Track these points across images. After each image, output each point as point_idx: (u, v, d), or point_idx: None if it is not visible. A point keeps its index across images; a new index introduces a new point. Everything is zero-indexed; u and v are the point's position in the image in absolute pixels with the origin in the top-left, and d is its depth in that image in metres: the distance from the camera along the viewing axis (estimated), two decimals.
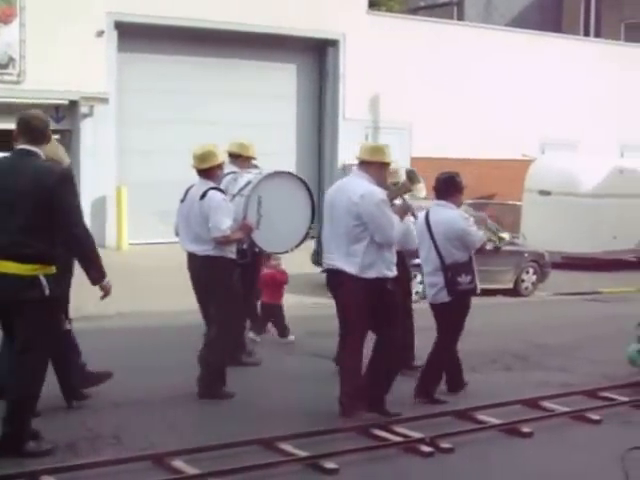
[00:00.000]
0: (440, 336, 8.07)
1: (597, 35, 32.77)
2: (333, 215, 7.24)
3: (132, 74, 20.09)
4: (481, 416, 7.44)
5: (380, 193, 7.14)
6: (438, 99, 23.34)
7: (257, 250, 8.73)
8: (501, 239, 8.73)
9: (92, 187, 18.61)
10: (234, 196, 8.18)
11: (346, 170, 7.87)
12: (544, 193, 19.29)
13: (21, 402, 6.02)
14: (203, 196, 7.67)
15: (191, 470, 5.84)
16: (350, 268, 7.07)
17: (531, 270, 15.98)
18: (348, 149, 21.67)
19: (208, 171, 7.82)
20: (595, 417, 7.67)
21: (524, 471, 6.44)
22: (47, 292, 5.88)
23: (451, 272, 7.87)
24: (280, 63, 22.22)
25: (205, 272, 7.72)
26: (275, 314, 10.49)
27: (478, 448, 6.80)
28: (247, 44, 21.29)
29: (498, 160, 22.82)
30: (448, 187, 8.03)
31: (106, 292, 6.28)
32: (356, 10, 22.76)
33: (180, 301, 12.75)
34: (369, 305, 7.11)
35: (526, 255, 15.38)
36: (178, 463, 5.97)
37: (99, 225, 18.00)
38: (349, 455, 6.36)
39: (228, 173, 8.68)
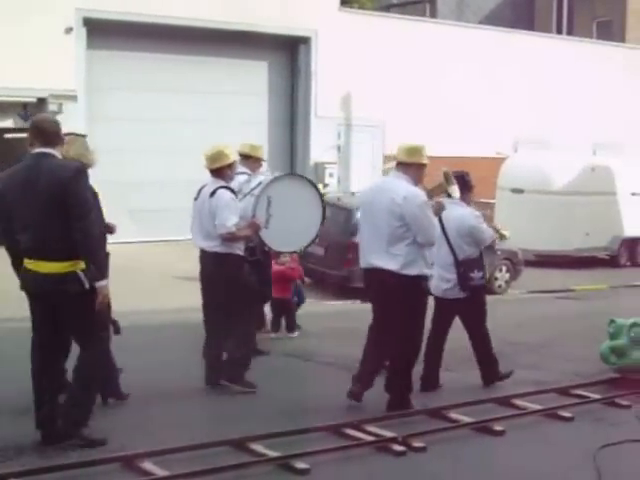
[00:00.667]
0: (469, 332, 8.56)
1: (569, 33, 32.97)
2: (373, 215, 7.45)
3: (101, 71, 19.91)
4: (454, 415, 7.44)
5: (422, 195, 7.39)
6: (411, 97, 23.35)
7: (267, 249, 8.93)
8: (502, 236, 8.95)
9: None
10: (245, 195, 8.50)
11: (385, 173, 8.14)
12: (517, 191, 19.36)
13: (81, 391, 6.32)
14: (212, 194, 7.95)
15: (161, 472, 5.80)
16: (391, 265, 7.28)
17: (504, 268, 16.00)
18: (320, 147, 21.70)
19: (219, 171, 8.08)
20: (567, 415, 7.71)
21: (496, 469, 6.45)
22: (87, 285, 6.11)
23: (463, 268, 8.19)
24: (252, 60, 22.14)
25: (214, 268, 7.99)
26: (285, 308, 10.69)
27: (450, 447, 6.79)
28: (218, 41, 21.20)
29: (471, 158, 22.81)
30: (460, 185, 8.23)
31: (102, 297, 6.20)
32: (328, 7, 22.72)
33: (149, 300, 12.75)
34: (406, 301, 7.32)
35: (499, 253, 15.37)
36: (148, 465, 5.92)
37: None
38: (321, 455, 6.33)
39: (239, 173, 8.97)
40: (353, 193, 15.97)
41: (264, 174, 9.21)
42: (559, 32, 33.18)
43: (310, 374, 8.57)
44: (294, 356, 9.41)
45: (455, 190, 8.10)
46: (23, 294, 6.40)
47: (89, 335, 6.31)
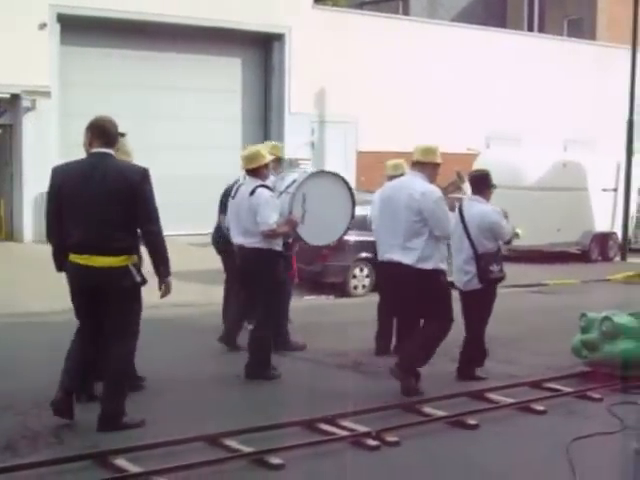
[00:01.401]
0: (471, 322, 8.78)
1: (541, 31, 33.17)
2: (392, 210, 7.90)
3: (75, 68, 19.84)
4: (427, 409, 7.47)
5: (437, 191, 7.85)
6: (384, 93, 23.41)
7: (302, 244, 9.26)
8: (516, 235, 9.19)
9: (34, 182, 18.29)
10: (281, 193, 8.69)
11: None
12: None
13: (118, 383, 6.62)
14: (252, 193, 8.27)
15: (134, 468, 5.77)
16: (407, 259, 7.71)
17: None
18: (294, 143, 21.68)
19: (256, 170, 8.43)
20: (540, 408, 7.76)
21: (470, 463, 6.46)
22: (138, 279, 6.47)
23: (484, 261, 8.55)
24: (225, 57, 22.12)
25: (253, 263, 8.33)
26: None
27: (424, 441, 6.82)
28: (192, 38, 21.17)
29: (443, 154, 22.85)
30: (480, 184, 8.83)
31: (166, 289, 6.64)
32: (302, 4, 22.75)
33: None
34: (422, 294, 7.71)
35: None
36: (121, 461, 5.89)
37: (41, 221, 17.70)
38: (295, 450, 6.32)
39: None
40: None
41: (297, 171, 9.52)
42: (530, 30, 33.38)
43: (284, 369, 8.55)
44: None
45: (467, 187, 8.75)
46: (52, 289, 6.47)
47: (127, 329, 6.63)
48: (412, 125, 23.36)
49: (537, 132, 25.41)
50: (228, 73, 22.19)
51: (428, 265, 7.73)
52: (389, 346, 9.62)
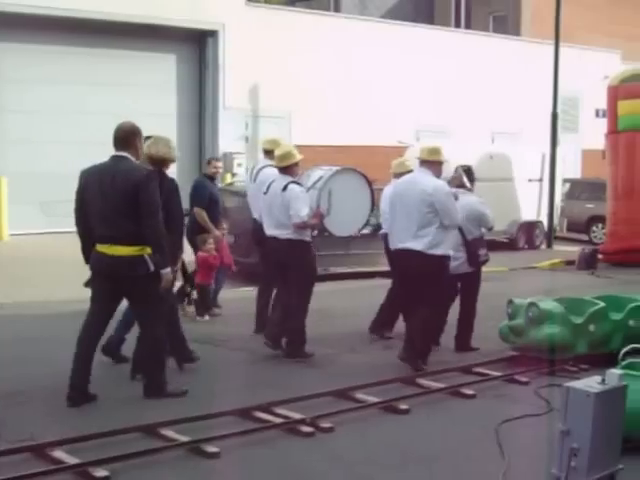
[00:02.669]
0: (463, 302, 9.83)
1: (467, 27, 33.62)
2: (405, 204, 8.70)
3: (11, 63, 19.69)
4: (360, 395, 7.60)
5: (447, 186, 8.83)
6: (316, 88, 23.55)
7: (327, 234, 10.01)
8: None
9: None
10: (308, 189, 9.38)
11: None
12: None
13: (151, 361, 7.40)
14: (284, 189, 8.95)
15: (72, 460, 5.80)
16: (419, 246, 8.51)
17: None
18: (228, 137, 21.73)
19: (287, 168, 9.11)
20: (469, 392, 7.94)
21: (402, 446, 6.59)
22: (152, 268, 7.09)
23: (473, 247, 9.53)
24: (160, 53, 22.07)
25: (286, 253, 9.01)
26: (202, 293, 11.10)
27: (357, 426, 6.94)
28: (127, 34, 21.07)
29: (375, 147, 23.18)
30: (466, 177, 9.93)
31: (165, 281, 7.23)
32: (235, 1, 22.75)
33: (61, 290, 12.62)
34: (429, 277, 8.53)
35: None
36: (59, 453, 5.93)
37: None
38: (230, 438, 6.41)
39: (264, 166, 10.08)
40: None
41: (323, 168, 10.08)
42: (457, 26, 33.81)
43: (219, 359, 8.63)
44: (203, 342, 9.46)
45: (468, 182, 10.20)
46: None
47: (149, 313, 7.33)
48: (344, 119, 23.58)
49: (465, 125, 25.78)
50: (163, 69, 22.12)
51: (438, 251, 8.55)
52: (383, 328, 10.17)
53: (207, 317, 11.07)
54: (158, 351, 7.46)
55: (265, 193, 9.29)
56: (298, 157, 9.18)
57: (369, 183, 10.06)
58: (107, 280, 7.25)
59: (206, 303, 11.16)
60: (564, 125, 26.82)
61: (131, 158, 7.23)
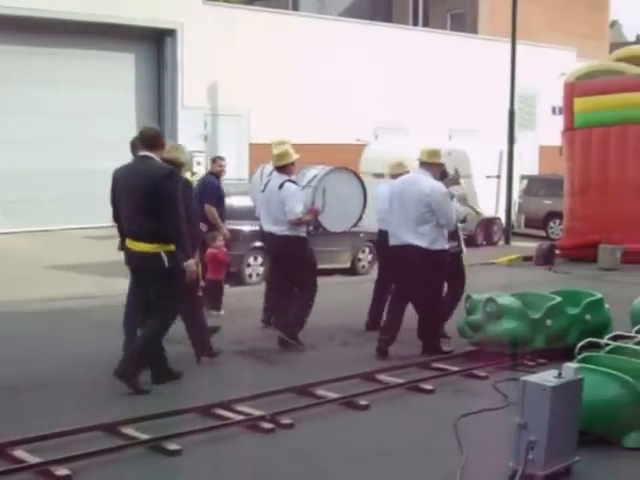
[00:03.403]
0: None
1: (425, 25, 33.80)
2: (403, 202, 9.15)
3: None
4: (320, 391, 7.65)
5: (443, 187, 9.24)
6: (275, 87, 23.57)
7: (321, 230, 10.47)
8: (478, 213, 11.93)
9: None
10: (303, 187, 9.81)
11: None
12: (378, 175, 19.74)
13: (139, 351, 7.65)
14: (281, 186, 9.43)
15: (33, 459, 5.79)
16: (421, 243, 9.01)
17: (367, 249, 16.37)
18: (188, 136, 21.68)
19: (284, 167, 9.60)
20: (428, 387, 8.02)
21: (361, 441, 6.65)
22: (167, 265, 7.41)
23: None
24: (118, 52, 21.94)
25: (283, 248, 9.56)
26: (216, 289, 11.25)
27: (317, 422, 7.00)
28: (84, 34, 20.94)
29: (334, 145, 23.25)
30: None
31: (188, 273, 7.61)
32: (193, 0, 22.70)
33: (22, 290, 12.56)
34: (431, 269, 9.03)
35: (362, 235, 15.63)
36: (20, 453, 5.91)
37: None
38: (191, 436, 6.43)
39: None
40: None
41: (317, 167, 10.48)
42: (415, 25, 33.98)
43: (179, 357, 8.60)
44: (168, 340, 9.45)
45: (462, 182, 10.76)
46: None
47: (162, 307, 7.61)
48: (303, 117, 23.62)
49: (423, 122, 25.92)
50: (121, 68, 21.99)
51: (436, 246, 9.06)
52: (379, 322, 10.26)
53: (222, 312, 11.21)
54: (152, 345, 7.74)
55: (263, 191, 9.77)
56: (295, 157, 9.63)
57: (361, 181, 10.54)
58: (133, 273, 7.94)
59: (219, 298, 11.36)
60: (521, 122, 27.13)
61: (155, 158, 7.62)
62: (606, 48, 36.52)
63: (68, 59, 20.88)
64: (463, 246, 10.33)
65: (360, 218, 10.66)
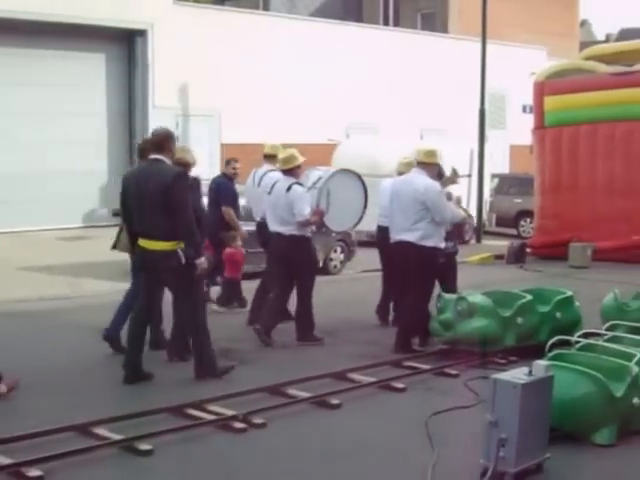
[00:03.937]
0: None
1: (396, 24, 33.90)
2: (401, 201, 9.48)
3: None
4: (292, 391, 7.66)
5: (438, 186, 9.49)
6: (246, 86, 23.55)
7: (324, 230, 10.86)
8: (470, 216, 12.09)
9: None
10: (309, 189, 10.08)
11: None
12: None
13: (197, 342, 8.13)
14: (288, 189, 9.68)
15: (5, 460, 5.78)
16: (411, 238, 9.29)
17: (339, 249, 16.38)
18: None
19: (290, 170, 9.82)
20: (400, 385, 8.05)
21: (333, 440, 6.67)
22: (183, 260, 7.72)
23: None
24: (88, 53, 21.83)
25: (290, 248, 9.79)
26: (234, 286, 11.68)
27: (289, 422, 7.02)
28: (54, 34, 20.79)
29: (305, 145, 23.16)
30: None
31: (200, 270, 7.85)
32: (163, 0, 22.65)
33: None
34: (419, 266, 9.29)
35: (334, 235, 15.65)
36: None
37: None
38: (164, 436, 6.43)
39: (268, 172, 10.73)
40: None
41: (321, 169, 10.85)
42: (386, 24, 34.06)
43: (152, 357, 8.60)
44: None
45: (459, 181, 11.10)
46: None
47: (188, 299, 8.00)
48: (274, 117, 23.61)
49: (395, 122, 25.98)
50: (92, 68, 21.87)
51: (429, 243, 9.27)
52: (387, 318, 10.86)
53: (245, 308, 11.30)
54: (203, 333, 8.07)
55: (269, 193, 10.01)
56: (300, 160, 9.86)
57: (363, 183, 10.79)
58: (148, 272, 8.04)
59: (239, 295, 11.69)
60: (492, 122, 27.27)
61: (166, 160, 7.87)
62: (576, 47, 36.76)
63: (38, 59, 20.74)
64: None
65: (361, 218, 10.89)
